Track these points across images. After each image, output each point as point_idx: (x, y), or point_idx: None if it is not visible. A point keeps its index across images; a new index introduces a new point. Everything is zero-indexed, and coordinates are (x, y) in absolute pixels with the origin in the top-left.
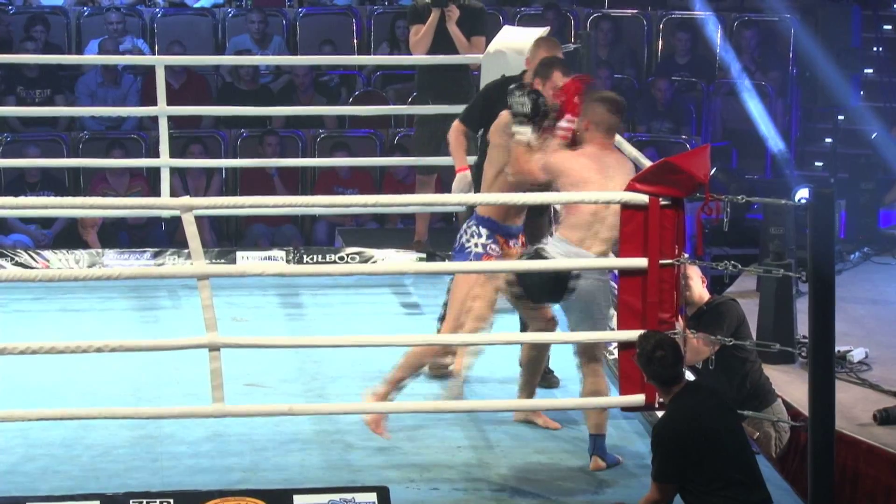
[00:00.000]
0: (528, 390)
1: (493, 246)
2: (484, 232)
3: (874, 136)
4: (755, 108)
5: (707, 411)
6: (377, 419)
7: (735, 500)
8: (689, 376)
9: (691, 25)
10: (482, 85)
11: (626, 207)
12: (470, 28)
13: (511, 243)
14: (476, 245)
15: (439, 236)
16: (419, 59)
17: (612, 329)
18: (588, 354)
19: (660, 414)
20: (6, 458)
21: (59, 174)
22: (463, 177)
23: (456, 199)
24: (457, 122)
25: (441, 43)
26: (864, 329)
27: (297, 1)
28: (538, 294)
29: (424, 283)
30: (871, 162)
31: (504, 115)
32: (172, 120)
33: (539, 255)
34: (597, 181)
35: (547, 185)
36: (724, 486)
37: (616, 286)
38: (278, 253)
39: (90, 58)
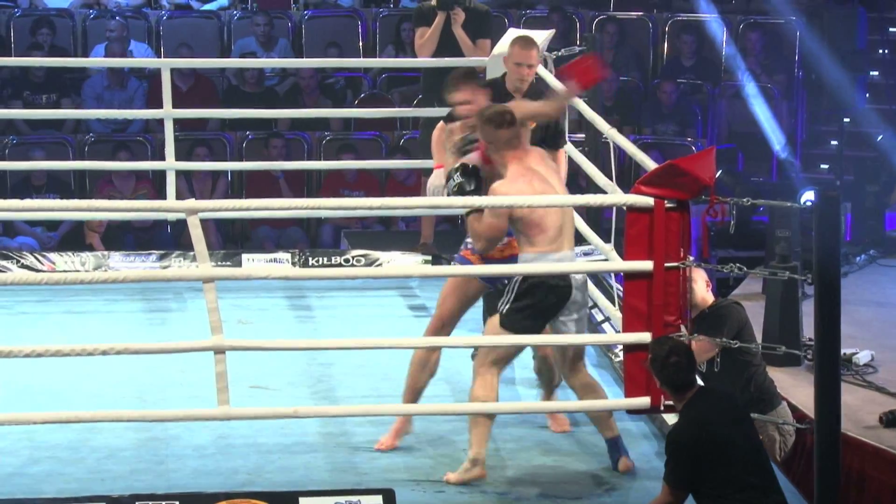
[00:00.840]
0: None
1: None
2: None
3: (880, 138)
4: (761, 110)
5: (721, 416)
6: (393, 439)
7: (749, 503)
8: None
9: (697, 28)
10: None
11: (631, 210)
12: (475, 31)
13: None
14: (464, 245)
15: (444, 238)
16: (424, 61)
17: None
18: (573, 361)
19: (666, 416)
20: (12, 461)
21: (64, 177)
22: (439, 173)
23: (462, 201)
24: (440, 123)
25: (446, 45)
26: (870, 331)
27: (302, 3)
28: (541, 318)
29: (430, 286)
30: (876, 164)
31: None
32: (178, 122)
33: (537, 282)
34: (545, 190)
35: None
36: (739, 490)
37: (621, 288)
38: (284, 255)
39: (96, 60)
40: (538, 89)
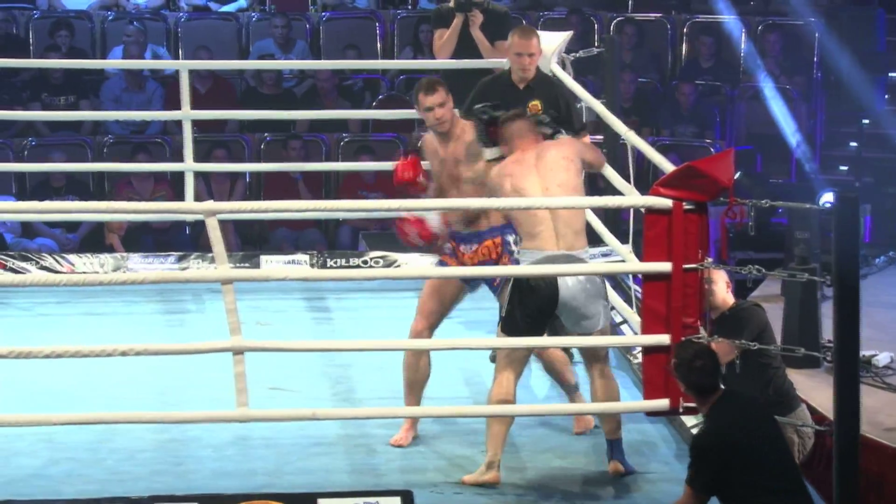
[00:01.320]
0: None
1: (447, 245)
2: None
3: None
4: (779, 112)
5: (746, 420)
6: (407, 437)
7: None
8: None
9: (715, 29)
10: None
11: (649, 212)
12: (494, 32)
13: (462, 247)
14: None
15: None
16: (443, 63)
17: (612, 323)
18: (593, 356)
19: (685, 418)
20: (31, 462)
21: (83, 178)
22: None
23: (478, 203)
24: None
25: (465, 47)
26: (889, 334)
27: (320, 5)
28: (530, 317)
29: None
30: None
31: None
32: (196, 124)
33: (519, 283)
34: (523, 185)
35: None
36: (764, 494)
37: (639, 290)
38: (302, 257)
39: (114, 62)
40: (546, 79)
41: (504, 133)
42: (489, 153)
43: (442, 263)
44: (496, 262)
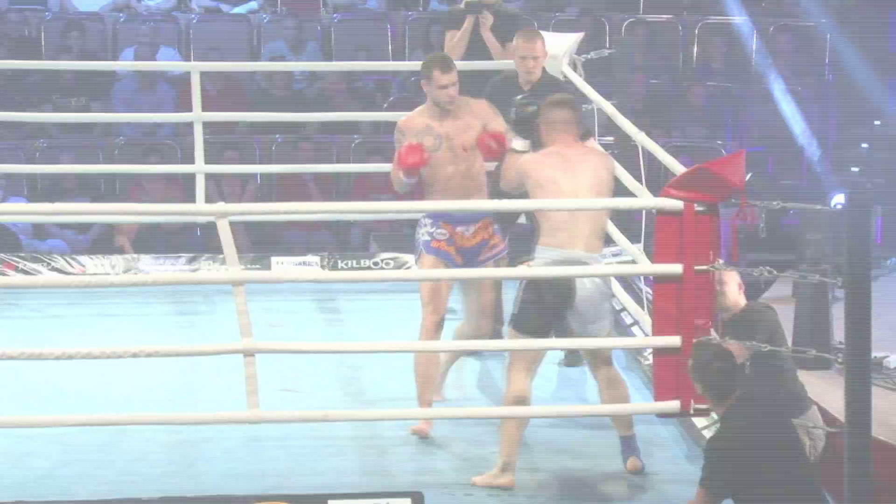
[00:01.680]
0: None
1: (440, 231)
2: (428, 221)
3: None
4: (791, 113)
5: (762, 424)
6: (429, 423)
7: None
8: None
9: (727, 31)
10: None
11: (661, 213)
12: (505, 34)
13: (459, 230)
14: (423, 234)
15: None
16: None
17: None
18: (599, 358)
19: (696, 420)
20: (42, 463)
21: (95, 180)
22: None
23: (491, 205)
24: None
25: (476, 49)
26: None
27: (332, 7)
28: (544, 315)
29: (459, 289)
30: None
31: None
32: (207, 126)
33: (536, 281)
34: (561, 178)
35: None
36: (779, 497)
37: (650, 292)
38: (313, 258)
39: (126, 64)
40: (552, 82)
41: (549, 117)
42: (520, 144)
43: (436, 249)
44: (489, 242)
